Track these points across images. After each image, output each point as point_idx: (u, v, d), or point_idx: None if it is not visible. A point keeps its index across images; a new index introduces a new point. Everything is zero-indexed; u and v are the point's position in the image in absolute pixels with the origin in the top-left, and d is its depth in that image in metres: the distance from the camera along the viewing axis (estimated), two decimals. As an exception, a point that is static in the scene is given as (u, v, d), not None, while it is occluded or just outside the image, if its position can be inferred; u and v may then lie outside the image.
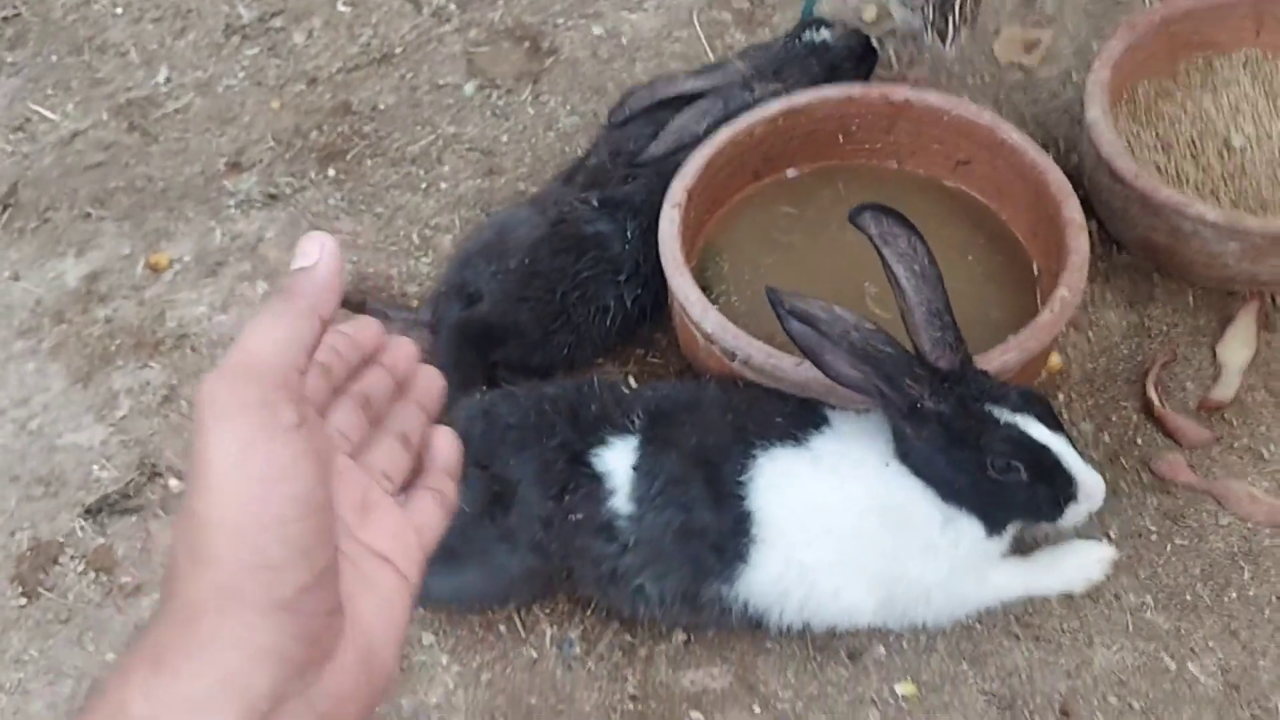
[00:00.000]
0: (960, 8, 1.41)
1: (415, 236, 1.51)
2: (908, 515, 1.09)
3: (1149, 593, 1.17)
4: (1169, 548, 1.20)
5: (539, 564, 1.13)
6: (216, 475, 0.49)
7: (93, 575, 1.23)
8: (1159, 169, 1.43)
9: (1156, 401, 1.29)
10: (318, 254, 0.57)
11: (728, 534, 1.10)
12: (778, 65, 1.45)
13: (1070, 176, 1.48)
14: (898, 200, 1.42)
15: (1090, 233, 1.45)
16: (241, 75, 1.71)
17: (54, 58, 1.74)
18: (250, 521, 0.49)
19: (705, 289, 1.37)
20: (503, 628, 1.17)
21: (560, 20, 1.76)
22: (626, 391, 1.20)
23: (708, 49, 1.71)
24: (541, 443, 1.13)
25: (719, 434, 1.13)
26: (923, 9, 1.43)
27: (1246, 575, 1.18)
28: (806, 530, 1.10)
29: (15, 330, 1.45)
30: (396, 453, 0.64)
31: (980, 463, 1.04)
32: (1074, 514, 1.07)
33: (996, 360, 1.15)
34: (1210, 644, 1.14)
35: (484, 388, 1.24)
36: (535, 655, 1.17)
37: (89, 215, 1.54)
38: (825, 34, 1.47)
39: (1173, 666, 1.12)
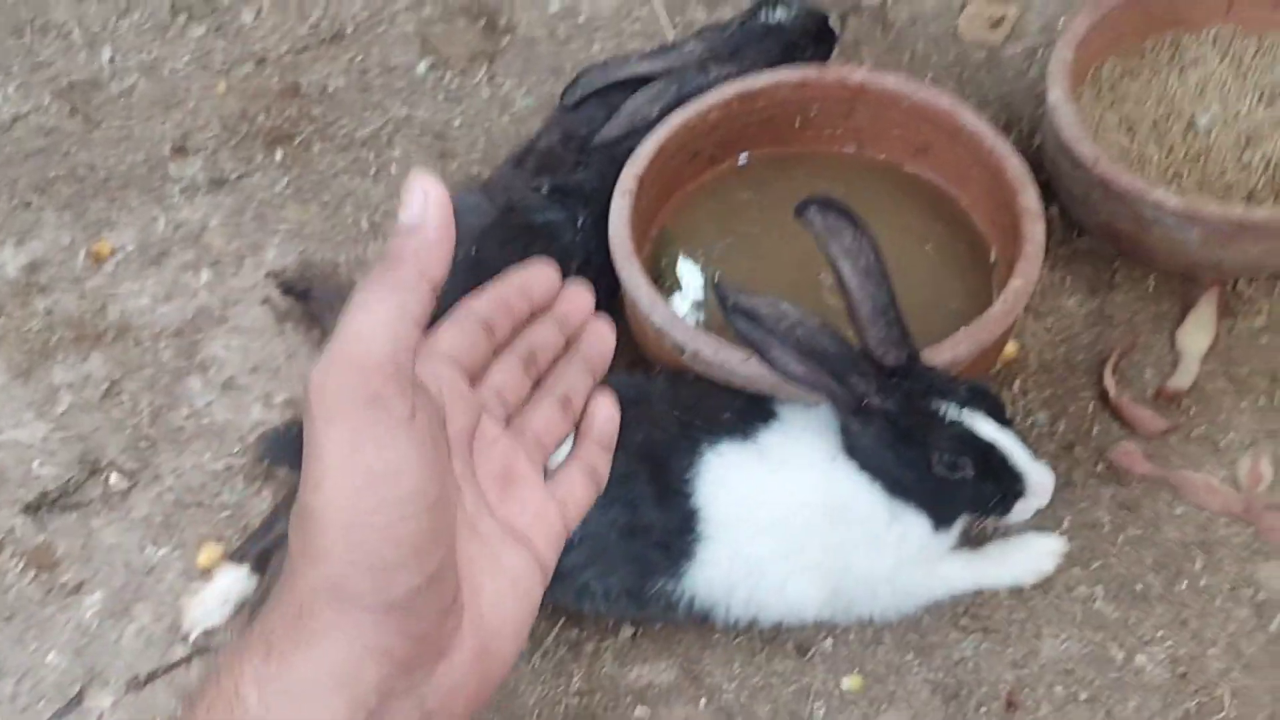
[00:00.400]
0: None
1: (364, 223, 1.48)
2: (854, 510, 1.07)
3: (1100, 583, 1.16)
4: (1121, 538, 1.19)
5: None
6: (326, 473, 0.48)
7: (33, 573, 1.21)
8: (1123, 151, 1.41)
9: (1113, 390, 1.27)
10: (422, 206, 0.52)
11: (674, 531, 1.08)
12: (733, 47, 1.42)
13: (1034, 159, 1.47)
14: (857, 186, 1.41)
15: (1052, 218, 1.44)
16: (187, 57, 1.67)
17: (-5, 39, 1.70)
18: (360, 521, 0.48)
19: (659, 278, 1.36)
20: (448, 626, 1.16)
21: (517, -3, 1.72)
22: (574, 384, 1.18)
23: (668, 26, 1.67)
24: (485, 438, 1.11)
25: (666, 429, 1.12)
26: None
27: (1199, 565, 1.17)
28: (753, 525, 1.09)
29: (-46, 323, 1.42)
30: (555, 417, 0.62)
31: (927, 459, 1.03)
32: (1022, 510, 1.05)
33: (947, 353, 1.13)
34: (1160, 633, 1.13)
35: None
36: (482, 653, 1.15)
37: (29, 204, 1.50)
38: (781, 14, 1.43)
39: (1120, 656, 1.12)
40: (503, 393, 0.60)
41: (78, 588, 1.21)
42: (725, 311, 1.05)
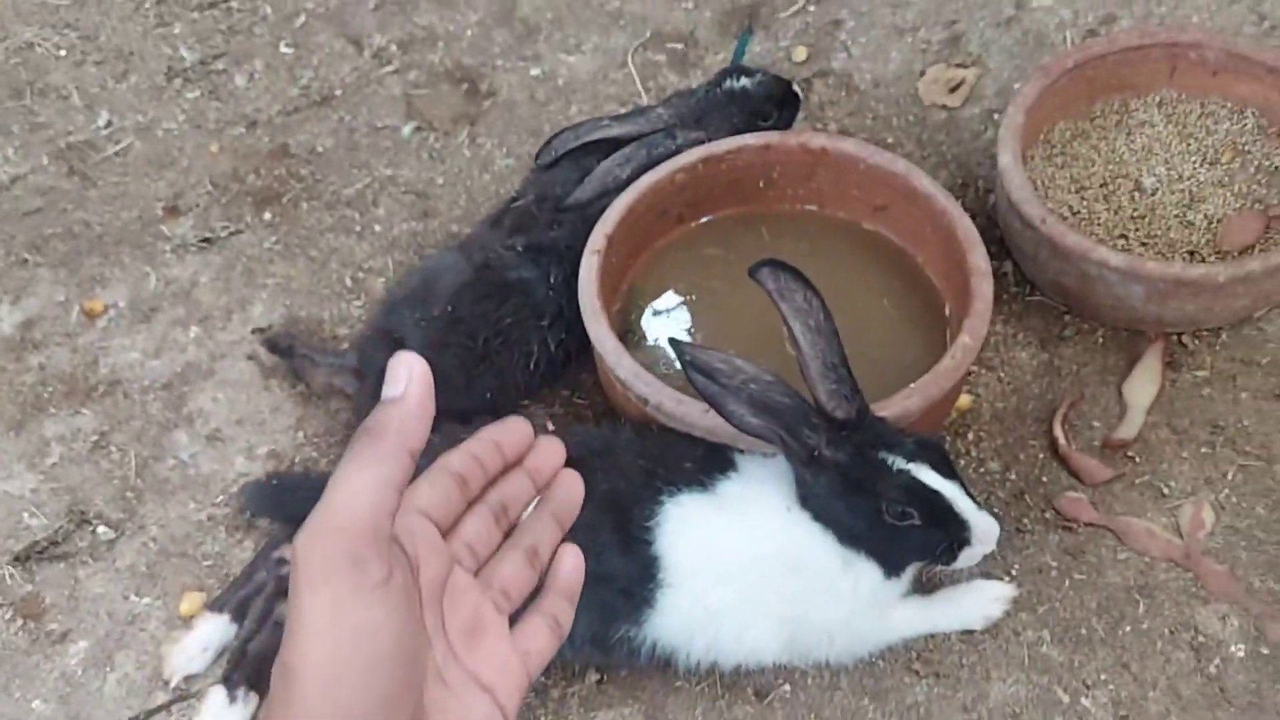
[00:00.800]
0: None
1: (348, 279, 1.54)
2: (809, 558, 1.12)
3: (1046, 627, 1.21)
4: (1068, 583, 1.24)
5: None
6: (308, 634, 0.53)
7: (20, 622, 1.26)
8: (1072, 210, 1.47)
9: (1062, 440, 1.33)
10: (405, 380, 0.57)
11: (636, 579, 1.13)
12: (699, 113, 1.49)
13: (989, 217, 1.53)
14: (819, 243, 1.48)
15: (1006, 274, 1.51)
16: (182, 118, 1.74)
17: (-4, 102, 1.77)
18: (338, 677, 0.53)
19: (629, 333, 1.42)
20: (421, 671, 1.20)
21: (499, 62, 1.80)
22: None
23: (642, 90, 1.74)
24: (458, 490, 1.16)
25: (630, 480, 1.17)
26: None
27: (1141, 609, 1.22)
28: (712, 574, 1.13)
29: (-49, 378, 1.48)
30: (521, 570, 0.66)
31: (876, 508, 1.08)
32: (969, 557, 1.10)
33: (898, 406, 1.19)
34: (1103, 676, 1.17)
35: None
36: (453, 697, 1.20)
37: (25, 261, 1.57)
38: (745, 81, 1.50)
39: (1065, 699, 1.16)
40: (474, 544, 0.65)
41: (63, 636, 1.26)
42: (683, 367, 1.11)
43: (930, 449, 1.10)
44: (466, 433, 1.20)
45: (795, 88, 1.55)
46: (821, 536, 1.12)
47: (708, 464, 1.18)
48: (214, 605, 1.22)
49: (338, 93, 1.77)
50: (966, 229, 1.33)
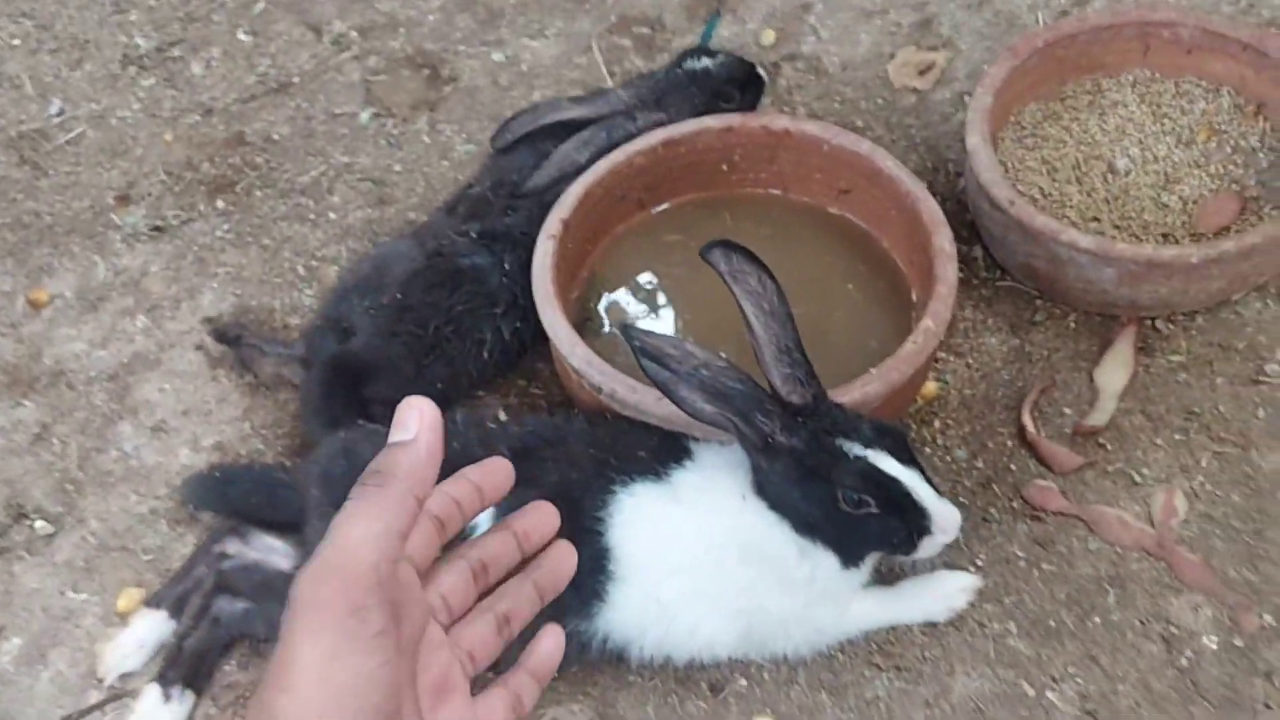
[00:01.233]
0: None
1: (301, 268, 1.50)
2: (764, 548, 1.08)
3: (1013, 619, 1.17)
4: (1036, 574, 1.20)
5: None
6: (300, 681, 0.51)
7: (-45, 619, 1.22)
8: (1043, 193, 1.43)
9: (1031, 428, 1.29)
10: (416, 426, 0.56)
11: (586, 571, 1.08)
12: (660, 94, 1.45)
13: (960, 202, 1.50)
14: (782, 227, 1.44)
15: (976, 259, 1.47)
16: (137, 107, 1.70)
17: (-53, 91, 1.73)
18: None
19: (588, 320, 1.38)
20: (365, 668, 1.16)
21: (461, 47, 1.76)
22: (493, 426, 1.19)
23: (606, 76, 1.70)
24: (404, 482, 1.12)
25: (581, 470, 1.13)
26: None
27: (1111, 600, 1.18)
28: (664, 565, 1.09)
29: (-107, 369, 1.43)
30: (489, 636, 0.64)
31: (832, 496, 1.04)
32: (928, 546, 1.06)
33: (858, 392, 1.15)
34: (1070, 670, 1.13)
35: (360, 424, 1.23)
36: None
37: (-29, 252, 1.53)
38: (707, 62, 1.47)
39: (1032, 693, 1.12)
40: (449, 599, 0.62)
41: None
42: (634, 353, 1.07)
43: (889, 435, 1.06)
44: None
45: (759, 69, 1.51)
46: (777, 525, 1.08)
47: (662, 453, 1.14)
48: (151, 601, 1.18)
49: (295, 80, 1.73)
50: (931, 211, 1.29)
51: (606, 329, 1.35)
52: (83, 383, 1.40)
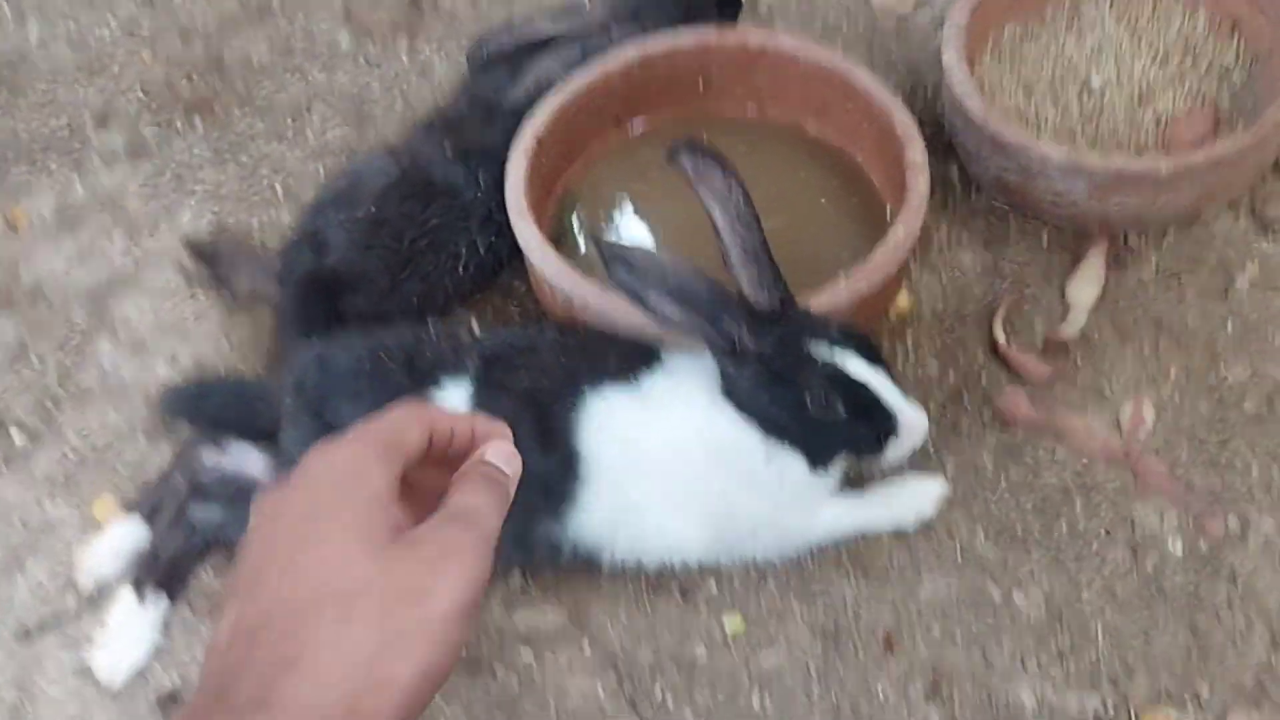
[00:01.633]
0: None
1: (278, 186, 1.50)
2: (732, 452, 1.09)
3: (980, 527, 1.18)
4: (1004, 483, 1.21)
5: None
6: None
7: (-66, 531, 1.23)
8: (1019, 111, 1.43)
9: (1002, 339, 1.30)
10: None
11: (556, 475, 1.10)
12: (634, 7, 1.44)
13: (939, 123, 1.49)
14: (760, 148, 1.44)
15: (952, 179, 1.47)
16: (114, 25, 1.69)
17: (-79, 13, 1.72)
18: None
19: (562, 235, 1.38)
20: (340, 572, 1.18)
21: (440, -31, 1.74)
22: (466, 338, 1.20)
23: (587, -5, 1.69)
24: (377, 392, 1.13)
25: (552, 377, 1.14)
26: None
27: (1078, 508, 1.19)
28: (634, 468, 1.11)
29: None
30: None
31: (799, 399, 1.05)
32: (896, 450, 1.08)
33: (826, 299, 1.16)
34: (1036, 575, 1.15)
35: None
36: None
37: (-52, 171, 1.53)
38: (683, -25, 1.45)
39: (998, 597, 1.14)
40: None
41: (-19, 545, 1.23)
42: (602, 260, 1.08)
43: (856, 338, 1.07)
44: (385, 334, 1.19)
45: (738, -16, 1.50)
46: (745, 429, 1.09)
47: (632, 359, 1.15)
48: (127, 509, 1.19)
49: (275, 4, 1.72)
50: (904, 123, 1.29)
51: (582, 247, 1.36)
52: (61, 301, 1.40)
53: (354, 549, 0.55)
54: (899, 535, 1.18)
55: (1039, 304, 1.34)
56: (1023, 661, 1.10)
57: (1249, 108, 1.39)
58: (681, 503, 1.11)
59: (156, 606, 1.13)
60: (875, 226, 1.35)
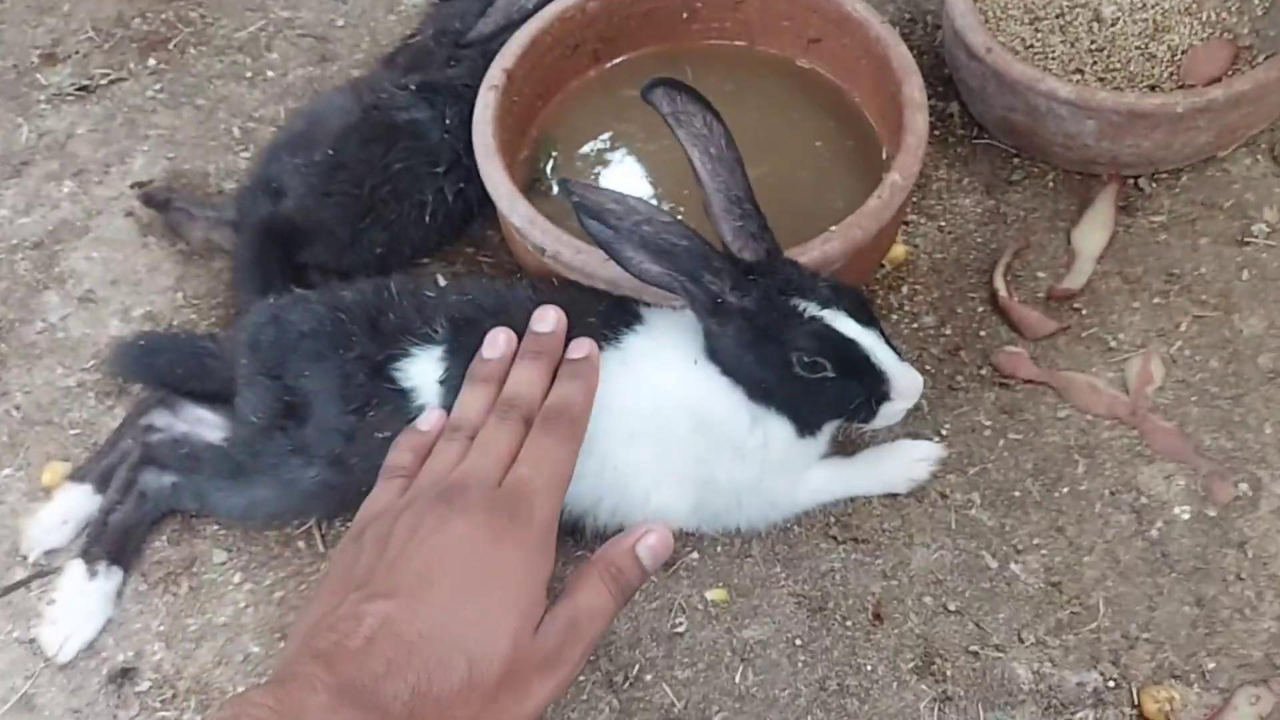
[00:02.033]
0: None
1: (236, 130, 1.41)
2: (716, 416, 1.03)
3: (976, 490, 1.12)
4: (1002, 443, 1.15)
5: (337, 478, 1.06)
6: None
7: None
8: (1024, 43, 1.34)
9: (1003, 291, 1.22)
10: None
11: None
12: (614, -65, 1.34)
13: (938, 56, 1.40)
14: (749, 82, 1.35)
15: (952, 115, 1.38)
16: (61, -42, 1.59)
17: None
18: None
19: (536, 182, 1.30)
20: (301, 544, 1.12)
21: (410, -107, 1.63)
22: (430, 295, 1.12)
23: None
24: (339, 354, 1.06)
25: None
26: None
27: (1080, 469, 1.13)
28: (616, 433, 1.04)
29: None
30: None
31: (786, 360, 0.98)
32: (888, 413, 1.01)
33: (816, 251, 1.08)
34: (1035, 541, 1.09)
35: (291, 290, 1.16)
36: (339, 569, 1.11)
37: (-116, 113, 1.44)
38: (666, -101, 1.35)
39: (994, 565, 1.08)
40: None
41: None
42: (574, 209, 1.00)
43: (847, 294, 0.99)
44: (345, 291, 1.11)
45: (724, -90, 1.40)
46: (730, 392, 1.02)
47: (611, 318, 1.07)
48: (76, 475, 1.13)
49: (234, -69, 1.61)
50: (901, 56, 1.20)
51: (557, 192, 1.27)
52: (6, 251, 1.32)
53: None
54: (890, 500, 1.12)
55: (1043, 252, 1.26)
56: (1019, 634, 1.04)
57: (1271, 38, 1.29)
58: (665, 469, 1.04)
59: (108, 579, 1.07)
60: (871, 169, 1.27)
